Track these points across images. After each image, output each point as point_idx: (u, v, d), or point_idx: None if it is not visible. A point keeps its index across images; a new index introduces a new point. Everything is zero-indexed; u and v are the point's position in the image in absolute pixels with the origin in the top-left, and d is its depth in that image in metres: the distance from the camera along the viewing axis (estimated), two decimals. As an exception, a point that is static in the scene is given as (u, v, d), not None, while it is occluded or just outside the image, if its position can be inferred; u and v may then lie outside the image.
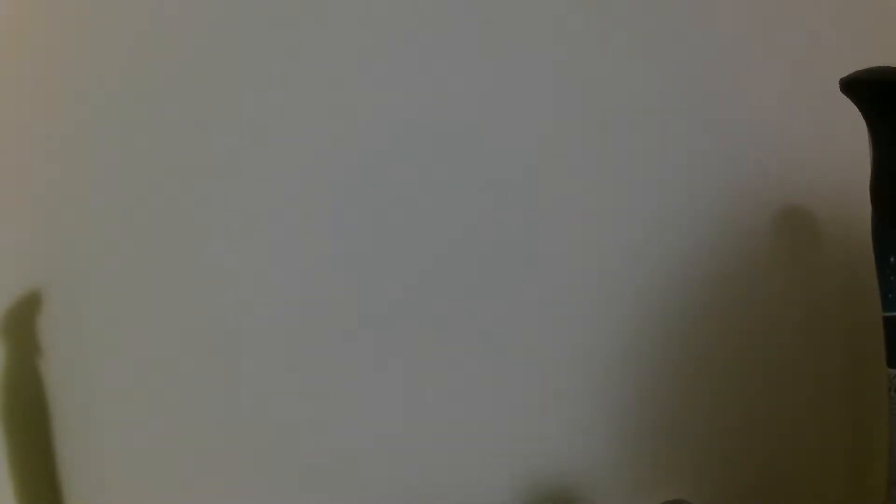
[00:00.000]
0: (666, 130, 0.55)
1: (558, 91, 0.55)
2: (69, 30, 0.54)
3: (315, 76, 0.53)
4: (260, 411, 0.52)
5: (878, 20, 0.57)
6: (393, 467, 0.52)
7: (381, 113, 0.54)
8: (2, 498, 0.50)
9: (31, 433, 0.52)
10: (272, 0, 0.54)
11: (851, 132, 0.43)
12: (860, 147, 0.42)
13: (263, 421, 0.52)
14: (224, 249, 0.53)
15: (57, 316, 0.52)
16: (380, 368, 0.53)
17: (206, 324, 0.52)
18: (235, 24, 0.54)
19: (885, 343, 0.41)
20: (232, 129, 0.53)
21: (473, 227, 0.53)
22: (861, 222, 0.42)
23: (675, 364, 0.54)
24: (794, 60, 0.56)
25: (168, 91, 0.53)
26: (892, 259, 0.40)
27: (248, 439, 0.52)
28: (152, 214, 0.53)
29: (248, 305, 0.52)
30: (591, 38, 0.55)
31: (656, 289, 0.54)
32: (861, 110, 0.41)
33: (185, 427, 0.52)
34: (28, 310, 0.52)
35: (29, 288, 0.52)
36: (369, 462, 0.52)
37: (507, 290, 0.53)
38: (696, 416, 0.54)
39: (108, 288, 0.53)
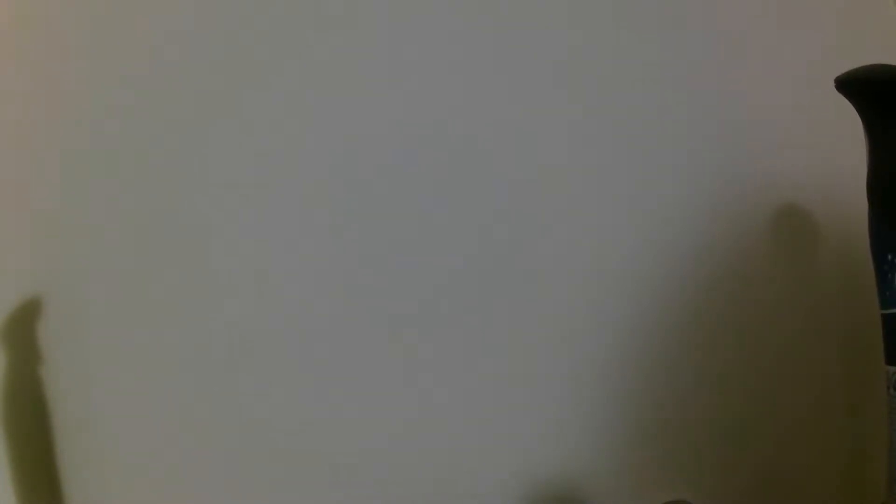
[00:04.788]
0: (665, 130, 0.55)
1: (558, 92, 0.55)
2: (69, 32, 0.54)
3: (322, 78, 0.54)
4: (261, 412, 0.52)
5: (877, 19, 0.57)
6: (392, 467, 0.52)
7: (385, 117, 0.54)
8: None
9: (31, 439, 0.52)
10: (274, 1, 0.54)
11: (850, 131, 0.43)
12: (859, 146, 0.42)
13: (264, 422, 0.52)
14: (228, 253, 0.53)
15: (57, 322, 0.52)
16: (380, 370, 0.53)
17: (206, 328, 0.52)
18: (237, 26, 0.54)
19: (883, 340, 0.41)
20: (235, 132, 0.53)
21: (473, 230, 0.54)
22: (859, 221, 0.42)
23: (675, 364, 0.54)
24: (793, 60, 0.56)
25: (169, 95, 0.53)
26: (889, 257, 0.40)
27: (249, 441, 0.52)
28: (153, 219, 0.53)
29: (251, 309, 0.52)
30: (590, 40, 0.55)
31: (656, 289, 0.54)
32: (857, 109, 0.41)
33: (186, 433, 0.52)
34: (28, 316, 0.52)
35: (29, 294, 0.52)
36: (369, 462, 0.52)
37: (507, 292, 0.53)
38: (696, 415, 0.54)
39: (108, 293, 0.53)
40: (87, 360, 0.52)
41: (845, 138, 0.47)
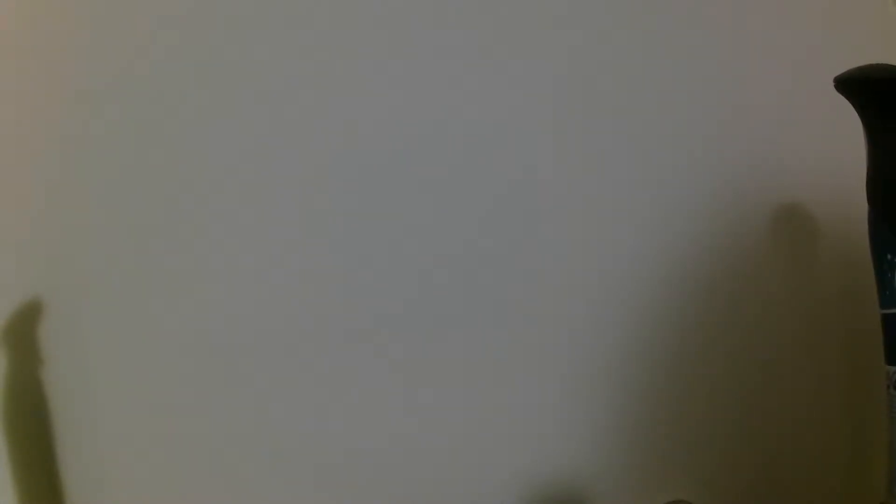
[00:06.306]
0: (664, 130, 0.55)
1: (557, 91, 0.55)
2: (69, 32, 0.54)
3: (321, 78, 0.54)
4: (261, 413, 0.52)
5: (876, 19, 0.57)
6: (393, 468, 0.52)
7: (382, 117, 0.54)
8: (4, 505, 0.51)
9: (32, 441, 0.51)
10: (273, 2, 0.54)
11: (850, 131, 0.43)
12: (859, 146, 0.42)
13: (264, 424, 0.52)
14: (225, 256, 0.53)
15: (57, 324, 0.52)
16: (380, 370, 0.53)
17: (206, 330, 0.52)
18: (237, 26, 0.54)
19: (883, 340, 0.41)
20: (234, 135, 0.53)
21: (473, 229, 0.54)
22: (859, 221, 0.42)
23: (675, 364, 0.54)
24: (792, 60, 0.56)
25: (169, 95, 0.53)
26: (888, 257, 0.40)
27: (249, 442, 0.52)
28: (153, 222, 0.53)
29: (250, 311, 0.52)
30: (589, 39, 0.55)
31: (656, 289, 0.54)
32: (856, 108, 0.41)
33: (186, 434, 0.52)
34: (28, 318, 0.52)
35: (29, 295, 0.52)
36: (369, 463, 0.52)
37: (507, 291, 0.53)
38: (696, 415, 0.54)
39: (108, 295, 0.53)
40: (87, 361, 0.52)
41: (845, 138, 0.47)
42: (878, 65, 0.40)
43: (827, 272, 0.55)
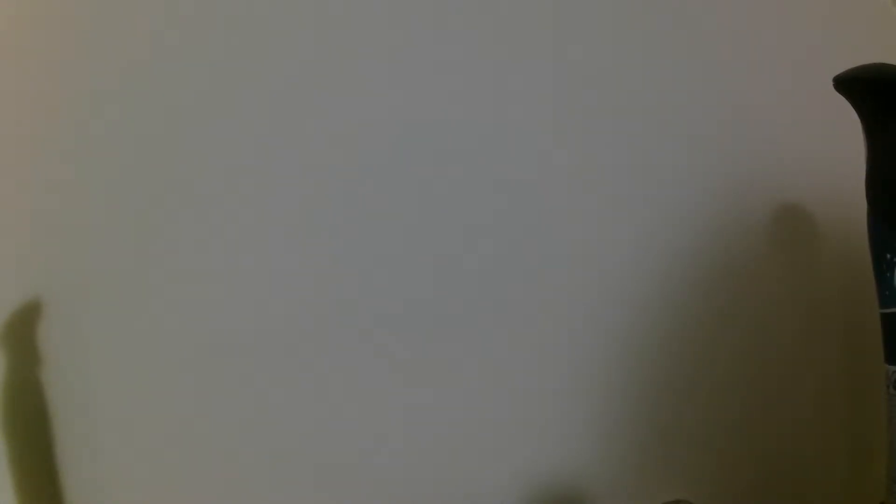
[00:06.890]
0: (664, 130, 0.55)
1: (557, 91, 0.55)
2: (69, 32, 0.54)
3: (321, 78, 0.54)
4: (261, 413, 0.52)
5: (877, 19, 0.57)
6: (393, 468, 0.52)
7: (382, 117, 0.54)
8: (4, 506, 0.50)
9: (32, 442, 0.51)
10: (274, 2, 0.54)
11: (850, 131, 0.43)
12: (859, 146, 0.42)
13: (264, 423, 0.52)
14: (225, 256, 0.53)
15: (57, 324, 0.52)
16: (379, 370, 0.53)
17: (206, 330, 0.52)
18: (237, 26, 0.54)
19: (883, 340, 0.41)
20: (234, 135, 0.53)
21: (473, 229, 0.54)
22: (859, 221, 0.42)
23: (675, 364, 0.54)
24: (792, 60, 0.56)
25: (169, 95, 0.53)
26: (888, 256, 0.40)
27: (250, 442, 0.52)
28: (154, 222, 0.53)
29: (250, 311, 0.52)
30: (589, 39, 0.55)
31: (656, 289, 0.54)
32: (855, 108, 0.41)
33: (186, 434, 0.52)
34: (28, 319, 0.52)
35: (29, 297, 0.52)
36: (369, 463, 0.52)
37: (507, 290, 0.53)
38: (695, 415, 0.54)
39: (108, 296, 0.53)
40: (87, 362, 0.52)
41: (845, 138, 0.47)
42: (878, 65, 0.40)
43: (827, 272, 0.55)
